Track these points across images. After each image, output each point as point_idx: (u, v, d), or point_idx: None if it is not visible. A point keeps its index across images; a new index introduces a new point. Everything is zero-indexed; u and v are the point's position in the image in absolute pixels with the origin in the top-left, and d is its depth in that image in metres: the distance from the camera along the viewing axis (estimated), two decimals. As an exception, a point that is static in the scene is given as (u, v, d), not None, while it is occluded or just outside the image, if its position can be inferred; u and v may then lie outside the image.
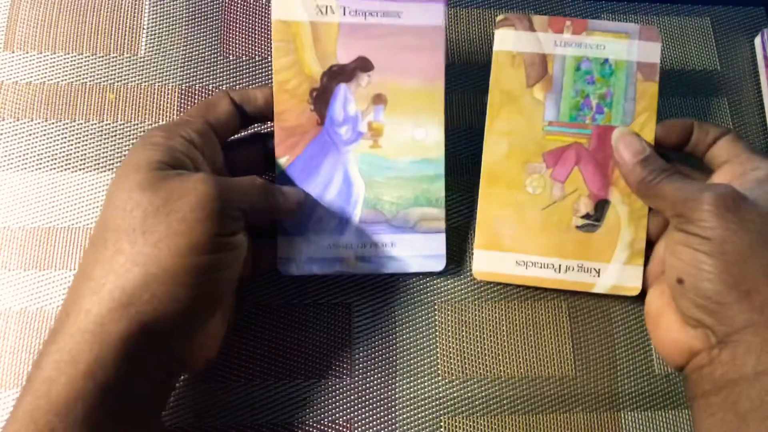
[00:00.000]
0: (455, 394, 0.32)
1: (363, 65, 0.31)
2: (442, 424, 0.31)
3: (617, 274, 0.31)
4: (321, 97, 0.31)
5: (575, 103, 0.32)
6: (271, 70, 0.36)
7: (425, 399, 0.32)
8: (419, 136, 0.31)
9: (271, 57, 0.36)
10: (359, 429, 0.31)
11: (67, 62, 0.35)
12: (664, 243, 0.31)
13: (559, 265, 0.31)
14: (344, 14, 0.31)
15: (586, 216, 0.31)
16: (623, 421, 0.32)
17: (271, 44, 0.37)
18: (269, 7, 0.37)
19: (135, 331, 0.22)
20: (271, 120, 0.31)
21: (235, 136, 0.32)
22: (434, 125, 0.32)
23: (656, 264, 0.31)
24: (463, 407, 0.32)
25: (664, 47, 0.39)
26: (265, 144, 0.31)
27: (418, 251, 0.31)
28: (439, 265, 0.32)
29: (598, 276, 0.31)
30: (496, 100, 0.32)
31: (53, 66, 0.35)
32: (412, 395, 0.32)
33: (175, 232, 0.23)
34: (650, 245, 0.32)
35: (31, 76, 0.35)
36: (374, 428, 0.31)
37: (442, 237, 0.32)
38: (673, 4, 0.40)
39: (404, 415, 0.31)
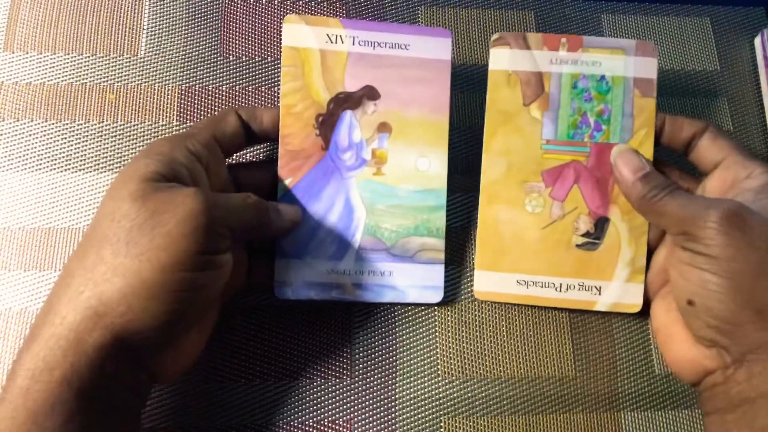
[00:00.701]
0: (455, 395, 0.32)
1: (370, 93, 0.31)
2: (442, 424, 0.31)
3: (618, 292, 0.31)
4: (327, 123, 0.31)
5: (573, 121, 0.32)
6: (271, 71, 0.36)
7: (425, 399, 0.32)
8: (422, 166, 0.32)
9: (271, 58, 0.37)
10: (359, 429, 0.31)
11: (67, 62, 0.35)
12: (662, 254, 0.31)
13: (560, 284, 0.31)
14: (353, 44, 0.31)
15: (587, 234, 0.31)
16: (623, 421, 0.32)
17: (270, 45, 0.37)
18: (269, 7, 0.37)
19: (109, 341, 0.22)
20: (276, 141, 0.31)
21: (248, 159, 0.32)
22: (438, 156, 0.32)
23: (656, 274, 0.31)
24: (463, 407, 0.32)
25: (665, 48, 0.39)
26: (273, 169, 0.31)
27: (415, 281, 0.31)
28: (437, 296, 0.32)
29: (599, 294, 0.31)
30: (493, 120, 0.32)
31: (53, 66, 0.35)
32: (412, 395, 0.32)
33: (157, 246, 0.22)
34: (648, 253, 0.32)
35: (31, 77, 0.35)
36: (374, 428, 0.31)
37: (441, 268, 0.32)
38: (673, 4, 0.40)
39: (404, 415, 0.31)
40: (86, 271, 0.22)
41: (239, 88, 0.36)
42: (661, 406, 0.32)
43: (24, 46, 0.35)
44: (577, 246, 0.31)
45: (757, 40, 0.39)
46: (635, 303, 0.31)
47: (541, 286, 0.31)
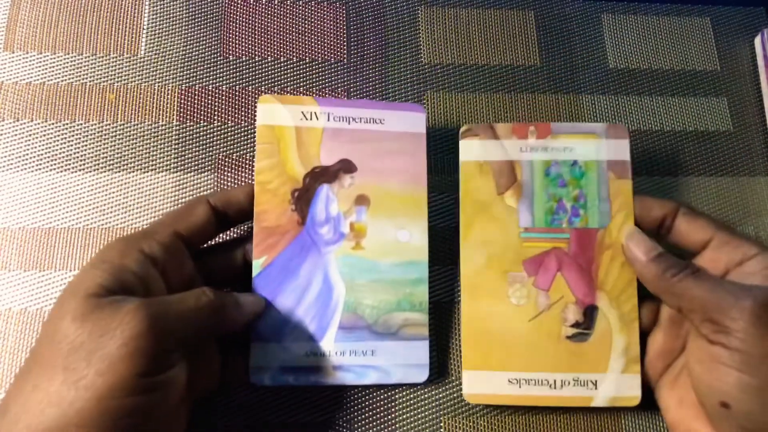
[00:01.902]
0: (455, 394, 0.32)
1: (346, 167, 0.31)
2: (442, 424, 0.31)
3: (615, 385, 0.30)
4: (303, 198, 0.30)
5: (549, 207, 0.31)
6: (271, 71, 0.36)
7: (425, 399, 0.32)
8: (403, 238, 0.31)
9: (271, 58, 0.37)
10: (359, 429, 0.31)
11: (67, 62, 0.35)
12: (660, 338, 0.29)
13: (554, 381, 0.30)
14: (328, 120, 0.31)
15: (576, 324, 0.30)
16: (623, 421, 0.32)
17: (270, 45, 0.37)
18: (269, 7, 0.37)
19: None
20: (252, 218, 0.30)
21: (214, 241, 0.31)
22: (417, 227, 0.31)
23: (655, 359, 0.29)
24: (463, 407, 0.32)
25: (664, 48, 0.39)
26: (245, 248, 0.30)
27: (399, 360, 0.30)
28: (422, 375, 0.30)
29: (596, 388, 0.30)
30: (468, 210, 0.31)
31: (53, 66, 0.35)
32: (412, 395, 0.32)
33: (96, 371, 0.21)
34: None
35: (31, 77, 0.35)
36: (374, 428, 0.31)
37: (425, 344, 0.30)
38: (673, 4, 0.40)
39: (404, 415, 0.31)
40: (23, 399, 0.21)
41: (239, 88, 0.36)
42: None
43: (24, 46, 0.35)
44: (567, 338, 0.30)
45: (757, 40, 0.39)
46: (634, 395, 0.29)
47: (534, 384, 0.30)
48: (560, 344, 0.30)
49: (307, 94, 0.36)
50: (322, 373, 0.29)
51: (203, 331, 0.25)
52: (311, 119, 0.31)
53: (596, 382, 0.30)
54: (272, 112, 0.31)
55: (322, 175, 0.31)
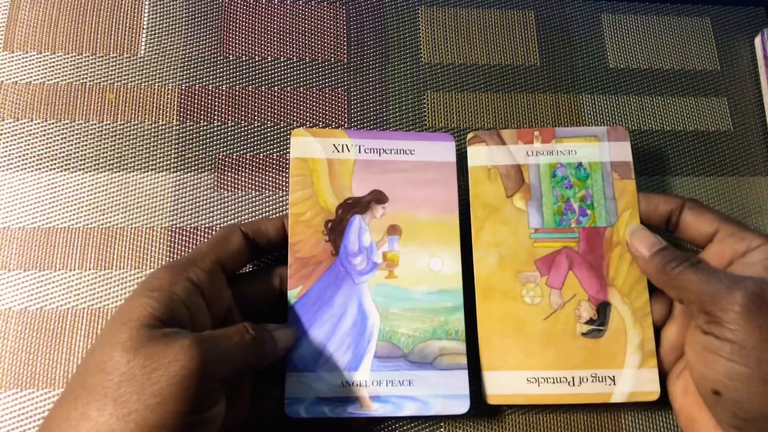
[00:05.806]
0: (455, 394, 0.32)
1: (378, 197, 0.31)
2: (442, 423, 0.31)
3: (633, 381, 0.30)
4: (336, 228, 0.31)
5: (558, 208, 0.32)
6: (271, 71, 0.36)
7: (425, 399, 0.32)
8: (435, 266, 0.31)
9: (271, 58, 0.37)
10: (358, 429, 0.31)
11: (67, 62, 0.35)
12: (673, 330, 0.30)
13: (572, 378, 0.30)
14: (359, 152, 0.32)
15: (590, 321, 0.30)
16: (623, 421, 0.32)
17: (270, 45, 0.37)
18: (269, 7, 0.37)
19: None
20: (281, 250, 0.30)
21: (252, 268, 0.32)
22: (450, 255, 0.31)
23: (667, 351, 0.30)
24: (463, 407, 0.32)
25: (665, 48, 0.39)
26: (281, 275, 0.30)
27: (437, 390, 0.29)
28: (463, 407, 0.29)
29: (614, 384, 0.30)
30: (479, 213, 0.32)
31: (53, 66, 0.35)
32: (412, 395, 0.32)
33: (147, 407, 0.21)
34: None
35: (31, 76, 0.35)
36: (373, 428, 0.31)
37: (465, 374, 0.29)
38: (673, 4, 0.40)
39: (404, 416, 0.31)
40: (69, 427, 0.21)
41: (239, 87, 0.36)
42: (661, 406, 0.32)
43: (24, 45, 0.35)
44: (583, 334, 0.30)
45: (757, 40, 0.39)
46: (653, 390, 0.30)
47: (553, 382, 0.30)
48: (576, 341, 0.30)
49: (306, 94, 0.36)
50: (357, 404, 0.29)
51: (245, 368, 0.26)
52: (343, 151, 0.32)
53: (614, 377, 0.30)
54: (305, 145, 0.32)
55: (354, 206, 0.31)
